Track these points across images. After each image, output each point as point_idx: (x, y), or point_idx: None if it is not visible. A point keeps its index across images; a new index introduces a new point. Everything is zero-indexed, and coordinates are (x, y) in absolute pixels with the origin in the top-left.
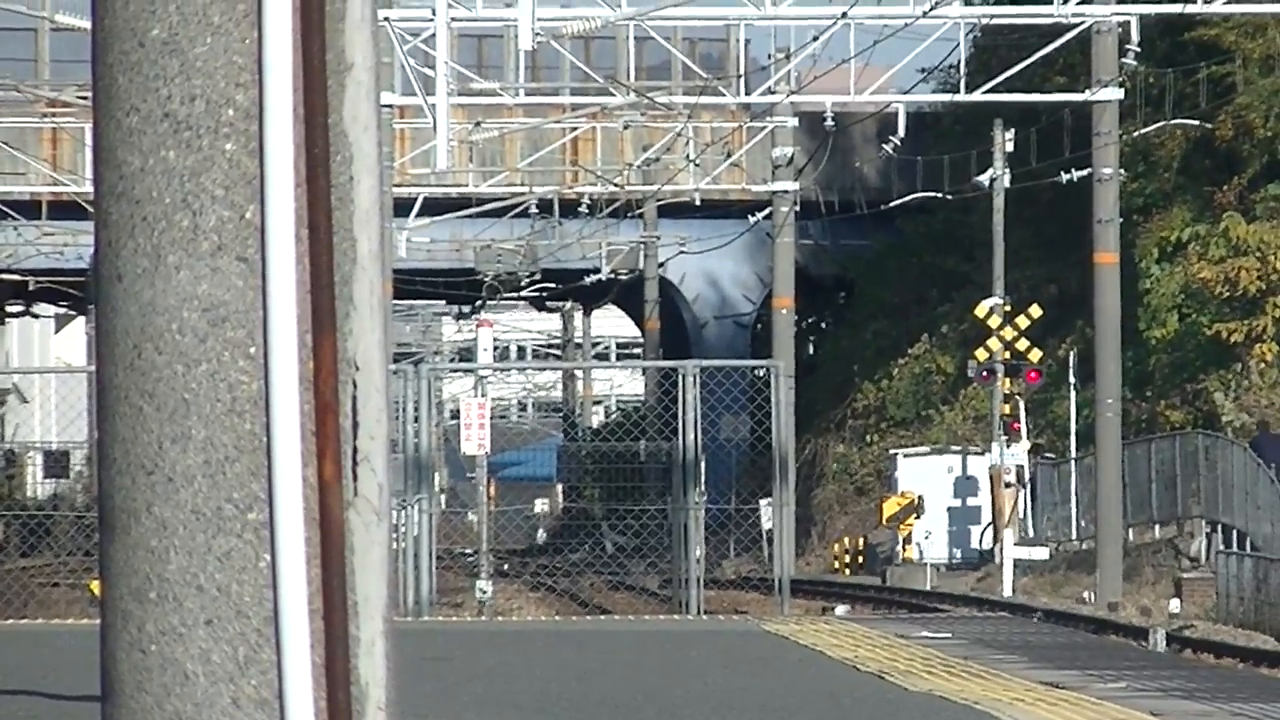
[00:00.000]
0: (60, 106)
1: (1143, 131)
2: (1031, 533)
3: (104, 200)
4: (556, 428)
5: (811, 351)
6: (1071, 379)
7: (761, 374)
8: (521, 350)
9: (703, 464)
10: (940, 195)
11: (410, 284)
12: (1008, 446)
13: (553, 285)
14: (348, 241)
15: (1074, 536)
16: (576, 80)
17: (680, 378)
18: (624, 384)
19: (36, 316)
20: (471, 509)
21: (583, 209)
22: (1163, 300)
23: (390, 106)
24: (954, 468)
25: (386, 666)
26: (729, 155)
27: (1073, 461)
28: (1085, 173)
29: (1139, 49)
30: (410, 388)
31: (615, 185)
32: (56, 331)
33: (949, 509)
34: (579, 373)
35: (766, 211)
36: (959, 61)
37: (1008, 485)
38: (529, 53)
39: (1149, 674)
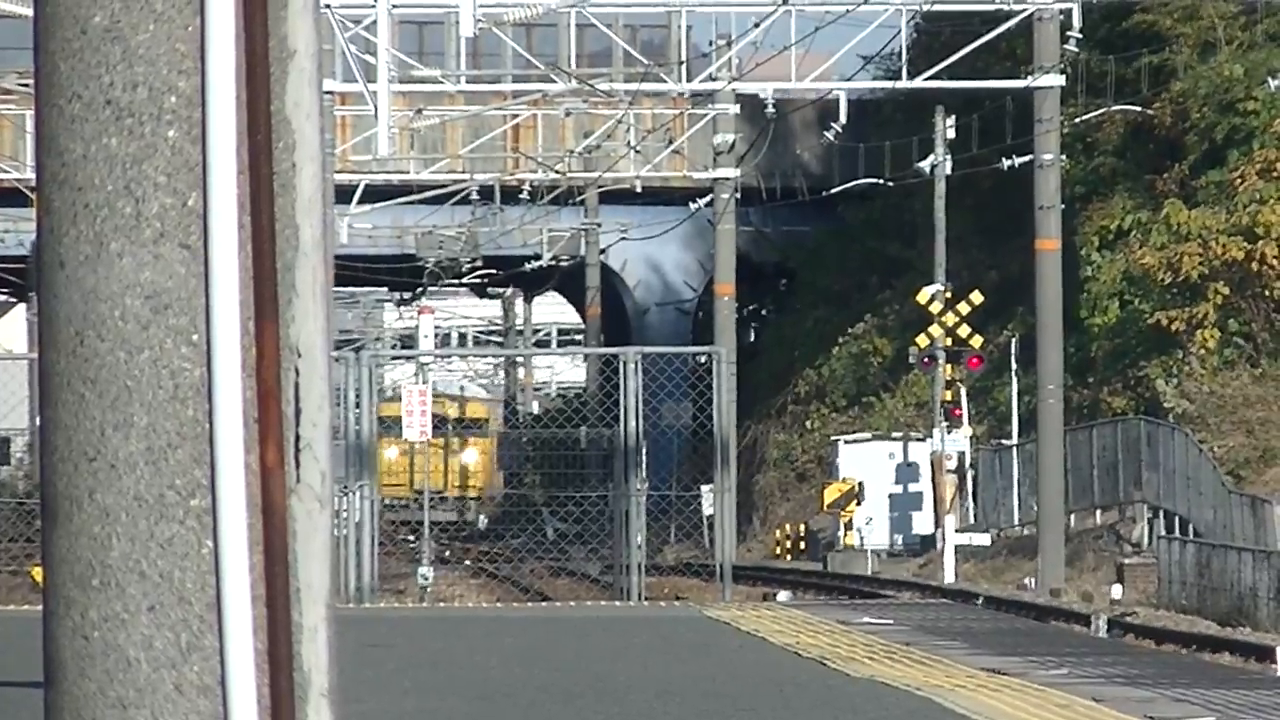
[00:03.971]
0: (1, 93)
1: (1084, 118)
2: (973, 519)
3: (46, 187)
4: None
5: (753, 338)
6: (1013, 365)
7: (703, 361)
8: (463, 337)
9: (644, 450)
10: (882, 182)
11: (352, 271)
12: (949, 433)
13: (494, 272)
14: (290, 228)
15: (1016, 522)
16: (518, 67)
17: (621, 364)
18: (565, 371)
19: None
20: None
21: (524, 196)
22: (1104, 287)
23: (332, 93)
24: (895, 454)
25: (329, 653)
26: (670, 142)
27: (1015, 447)
28: (1026, 159)
29: (1080, 35)
30: (352, 374)
31: (557, 172)
32: None
33: (890, 495)
34: (520, 359)
35: (708, 198)
36: (900, 48)
37: (949, 471)
38: (470, 39)
39: (1091, 660)
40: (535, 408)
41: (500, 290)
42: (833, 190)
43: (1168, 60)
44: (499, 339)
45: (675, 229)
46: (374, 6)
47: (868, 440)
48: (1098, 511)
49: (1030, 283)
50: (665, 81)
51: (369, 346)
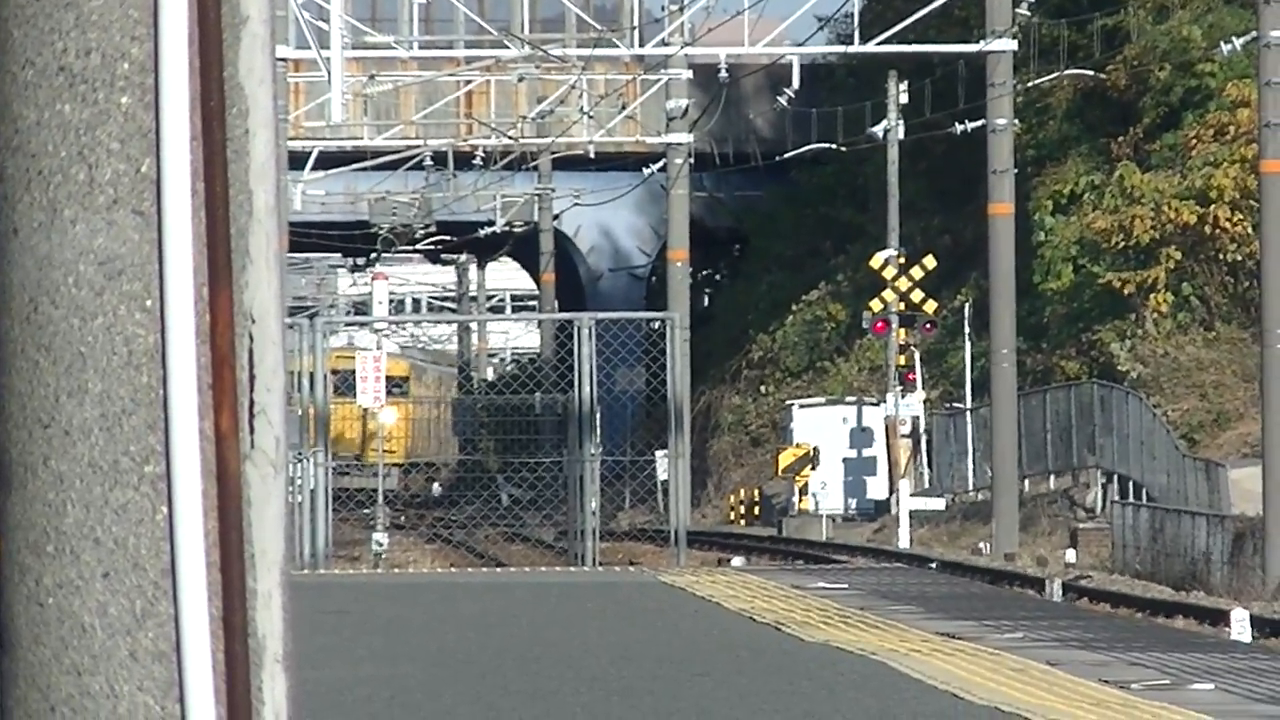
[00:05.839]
0: None
1: (1036, 83)
2: (927, 483)
3: None
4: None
5: (706, 303)
6: (966, 330)
7: (657, 326)
8: (417, 303)
9: (598, 416)
10: (834, 147)
11: (305, 237)
12: (903, 397)
13: (447, 238)
14: (243, 195)
15: (970, 487)
16: (470, 33)
17: (576, 330)
18: (519, 337)
19: None
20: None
21: (477, 161)
22: (1057, 251)
23: (285, 60)
24: (849, 418)
25: (284, 619)
26: (623, 107)
27: (968, 412)
28: (979, 124)
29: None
30: (305, 341)
31: (510, 138)
32: None
33: (845, 460)
34: (474, 326)
35: (661, 164)
36: (853, 12)
37: (903, 436)
38: (423, 5)
39: (1045, 624)
40: (490, 374)
41: (454, 256)
42: (785, 155)
43: (1121, 23)
44: (453, 305)
45: (628, 194)
46: None
47: (822, 405)
48: (1052, 476)
49: (983, 247)
50: (618, 47)
51: (323, 313)
